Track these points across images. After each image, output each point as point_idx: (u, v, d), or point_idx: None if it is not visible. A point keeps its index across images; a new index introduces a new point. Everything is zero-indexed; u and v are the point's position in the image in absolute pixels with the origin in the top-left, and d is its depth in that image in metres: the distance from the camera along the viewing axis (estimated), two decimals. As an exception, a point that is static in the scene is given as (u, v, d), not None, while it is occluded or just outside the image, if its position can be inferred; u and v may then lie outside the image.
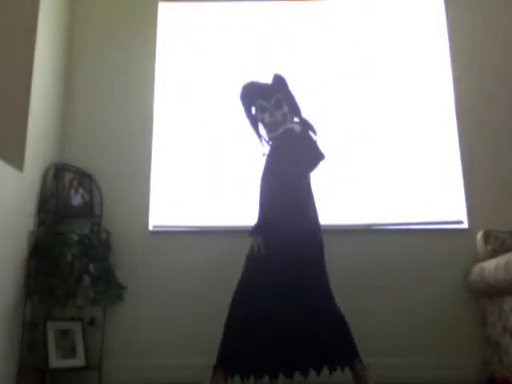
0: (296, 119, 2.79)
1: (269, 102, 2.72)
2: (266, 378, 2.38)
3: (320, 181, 3.30)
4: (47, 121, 3.21)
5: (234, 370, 2.38)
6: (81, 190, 3.18)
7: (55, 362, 2.83)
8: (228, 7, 3.64)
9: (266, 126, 2.77)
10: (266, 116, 2.73)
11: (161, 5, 3.61)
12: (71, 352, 2.92)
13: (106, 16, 3.59)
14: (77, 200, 3.14)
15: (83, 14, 3.59)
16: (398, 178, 3.34)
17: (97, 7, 3.60)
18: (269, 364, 2.36)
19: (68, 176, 3.16)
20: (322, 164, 2.78)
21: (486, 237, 2.97)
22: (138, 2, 3.61)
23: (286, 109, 2.75)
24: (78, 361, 2.92)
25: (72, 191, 3.14)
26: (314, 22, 3.60)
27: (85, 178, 3.23)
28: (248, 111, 2.80)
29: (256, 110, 2.78)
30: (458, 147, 3.33)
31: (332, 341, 2.40)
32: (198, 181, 3.37)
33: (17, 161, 2.87)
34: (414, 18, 3.59)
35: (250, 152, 3.22)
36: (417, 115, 3.43)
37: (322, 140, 2.81)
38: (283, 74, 2.82)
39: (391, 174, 3.35)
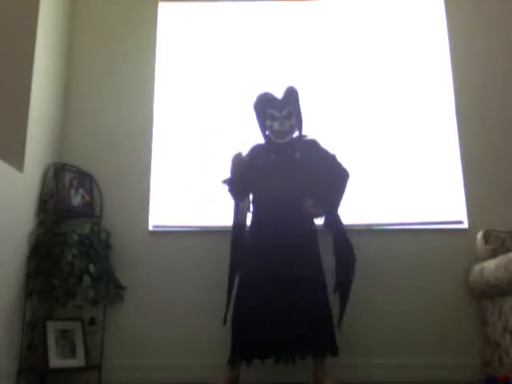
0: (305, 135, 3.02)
1: (280, 113, 2.91)
2: (268, 361, 2.65)
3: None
4: (47, 121, 3.21)
5: (239, 356, 2.65)
6: (81, 190, 3.18)
7: (55, 361, 2.83)
8: (228, 7, 3.64)
9: (273, 132, 2.95)
10: (276, 124, 2.92)
11: (161, 5, 3.62)
12: (71, 352, 2.92)
13: (106, 16, 3.59)
14: (77, 200, 3.14)
15: (83, 14, 3.59)
16: (398, 178, 3.34)
17: (97, 7, 3.60)
18: (264, 349, 2.61)
19: (68, 176, 3.15)
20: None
21: (486, 237, 2.97)
22: (138, 2, 3.61)
23: (293, 121, 2.94)
24: (78, 361, 2.91)
25: (72, 191, 3.13)
26: (313, 23, 3.60)
27: (85, 178, 3.23)
28: (260, 118, 2.99)
29: (266, 117, 2.96)
30: (458, 147, 3.33)
31: (306, 332, 2.60)
32: (198, 181, 3.37)
33: (17, 161, 2.87)
34: (414, 19, 3.59)
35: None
36: (417, 115, 3.43)
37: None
38: (296, 86, 2.99)
39: (391, 174, 3.35)
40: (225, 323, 2.81)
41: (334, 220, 2.90)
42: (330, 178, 2.93)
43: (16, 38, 3.03)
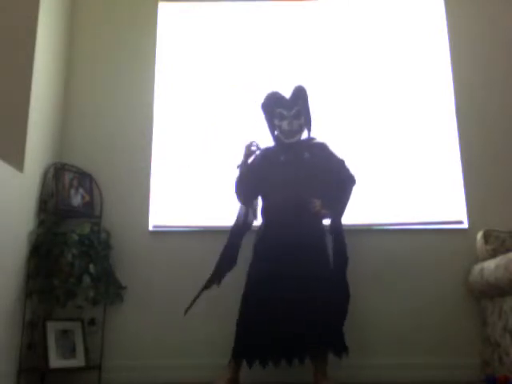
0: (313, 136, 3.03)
1: (289, 112, 2.90)
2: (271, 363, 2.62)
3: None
4: (47, 121, 3.21)
5: (242, 357, 2.63)
6: (81, 190, 3.18)
7: (55, 362, 2.83)
8: (228, 7, 3.64)
9: (282, 132, 2.94)
10: (284, 123, 2.91)
11: (161, 5, 3.62)
12: (71, 352, 2.92)
13: (106, 16, 3.59)
14: (77, 200, 3.14)
15: (83, 14, 3.59)
16: (399, 178, 3.34)
17: (96, 7, 3.60)
18: (270, 350, 2.59)
19: (68, 176, 3.16)
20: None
21: (486, 237, 2.97)
22: (138, 2, 3.61)
23: (302, 120, 2.93)
24: (78, 361, 2.91)
25: (72, 191, 3.13)
26: (312, 23, 3.60)
27: (85, 178, 3.23)
28: (269, 118, 2.98)
29: (274, 117, 2.95)
30: (458, 147, 3.33)
31: (306, 332, 2.59)
32: (199, 180, 3.37)
33: (17, 161, 2.87)
34: (414, 19, 3.59)
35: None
36: (417, 115, 3.43)
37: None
38: (304, 85, 2.98)
39: (392, 174, 3.35)
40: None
41: (336, 226, 2.87)
42: (337, 182, 2.91)
43: (16, 38, 3.04)
